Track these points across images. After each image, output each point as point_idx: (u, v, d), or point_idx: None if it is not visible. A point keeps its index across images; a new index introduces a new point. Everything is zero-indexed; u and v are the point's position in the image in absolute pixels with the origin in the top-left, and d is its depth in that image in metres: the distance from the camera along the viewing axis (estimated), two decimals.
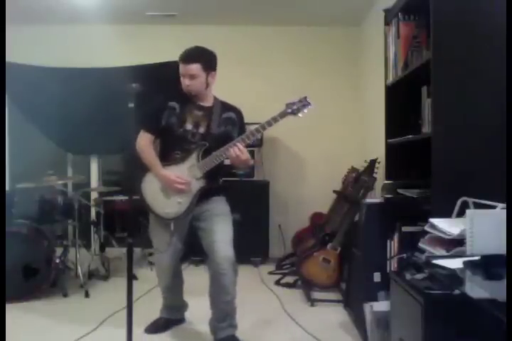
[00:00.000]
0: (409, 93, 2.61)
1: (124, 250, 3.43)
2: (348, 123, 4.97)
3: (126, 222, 4.16)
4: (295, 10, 4.46)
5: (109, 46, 4.71)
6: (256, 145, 4.49)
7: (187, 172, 2.53)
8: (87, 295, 3.49)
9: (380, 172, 3.37)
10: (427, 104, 2.34)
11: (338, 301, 3.38)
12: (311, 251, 3.59)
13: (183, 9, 4.50)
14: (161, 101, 2.61)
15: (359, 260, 2.82)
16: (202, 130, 2.58)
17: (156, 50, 4.66)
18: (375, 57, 3.90)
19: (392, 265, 2.51)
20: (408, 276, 1.76)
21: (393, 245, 2.53)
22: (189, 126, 2.58)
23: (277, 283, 3.92)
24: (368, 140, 4.57)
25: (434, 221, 1.85)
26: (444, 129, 2.12)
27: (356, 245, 2.94)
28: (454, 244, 1.71)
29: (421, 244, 1.88)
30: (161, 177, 2.56)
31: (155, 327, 2.87)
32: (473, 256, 1.59)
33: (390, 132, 2.86)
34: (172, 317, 2.94)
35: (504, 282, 1.34)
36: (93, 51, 4.71)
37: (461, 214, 1.90)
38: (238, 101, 2.72)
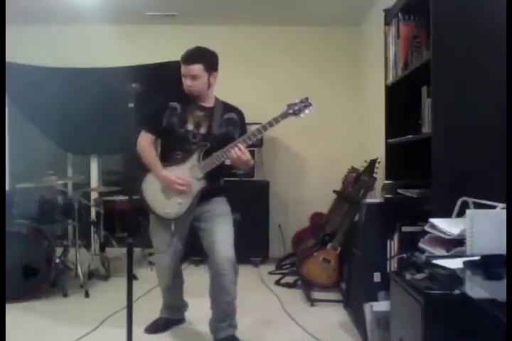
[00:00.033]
0: (409, 93, 2.61)
1: (124, 250, 3.43)
2: (348, 123, 4.97)
3: (126, 222, 4.15)
4: (295, 10, 4.46)
5: (109, 46, 4.72)
6: (256, 145, 4.48)
7: (188, 173, 2.52)
8: (87, 295, 3.49)
9: (380, 172, 3.37)
10: (427, 104, 2.34)
11: (338, 301, 3.38)
12: (311, 251, 3.59)
13: (183, 9, 4.50)
14: (162, 101, 2.61)
15: (359, 260, 2.82)
16: (203, 130, 2.58)
17: (156, 50, 4.66)
18: (375, 57, 3.90)
19: (392, 265, 2.51)
20: (408, 276, 1.76)
21: (393, 245, 2.54)
22: (190, 127, 2.58)
23: (277, 283, 3.92)
24: (368, 140, 4.57)
25: (434, 221, 1.85)
26: (444, 129, 2.12)
27: (356, 245, 2.94)
28: (454, 244, 1.71)
29: (421, 244, 1.88)
30: (161, 178, 2.55)
31: (155, 327, 2.87)
32: (473, 256, 1.59)
33: (390, 132, 2.86)
34: (172, 317, 2.94)
35: (504, 282, 1.34)
36: (93, 51, 4.71)
37: (461, 214, 1.90)
38: (238, 101, 2.72)
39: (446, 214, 1.97)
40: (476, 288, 1.46)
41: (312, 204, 4.71)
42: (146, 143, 2.61)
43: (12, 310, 3.00)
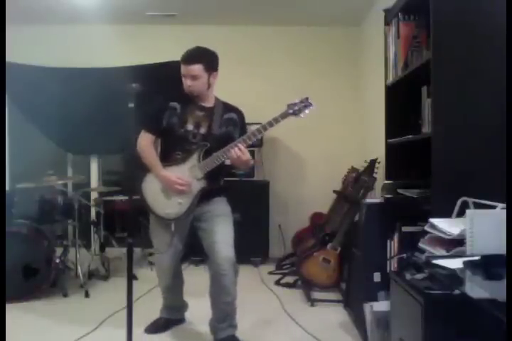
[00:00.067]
0: (409, 93, 2.61)
1: (124, 250, 3.43)
2: (348, 123, 4.97)
3: (126, 222, 4.16)
4: (295, 10, 4.46)
5: (109, 46, 4.72)
6: (256, 145, 4.48)
7: (188, 173, 2.52)
8: (87, 295, 3.49)
9: (380, 172, 3.37)
10: (427, 104, 2.34)
11: (338, 301, 3.38)
12: (311, 251, 3.59)
13: (183, 9, 4.50)
14: (162, 101, 2.61)
15: (359, 260, 2.82)
16: (203, 130, 2.57)
17: (156, 50, 4.66)
18: (375, 57, 3.90)
19: (392, 265, 2.51)
20: (408, 276, 1.76)
21: (393, 245, 2.53)
22: (190, 127, 2.57)
23: (277, 283, 3.92)
24: (368, 140, 4.57)
25: (434, 221, 1.85)
26: (444, 129, 2.12)
27: (356, 245, 2.94)
28: (454, 244, 1.71)
29: (421, 244, 1.88)
30: (161, 178, 2.55)
31: (155, 327, 2.87)
32: (473, 256, 1.59)
33: (390, 132, 2.86)
34: (172, 317, 2.94)
35: (504, 282, 1.34)
36: (93, 51, 4.71)
37: (461, 214, 1.90)
38: (238, 101, 2.72)
39: (446, 214, 1.97)
40: (476, 288, 1.46)
41: (312, 204, 4.71)
42: (146, 143, 2.61)
43: (12, 310, 3.00)
